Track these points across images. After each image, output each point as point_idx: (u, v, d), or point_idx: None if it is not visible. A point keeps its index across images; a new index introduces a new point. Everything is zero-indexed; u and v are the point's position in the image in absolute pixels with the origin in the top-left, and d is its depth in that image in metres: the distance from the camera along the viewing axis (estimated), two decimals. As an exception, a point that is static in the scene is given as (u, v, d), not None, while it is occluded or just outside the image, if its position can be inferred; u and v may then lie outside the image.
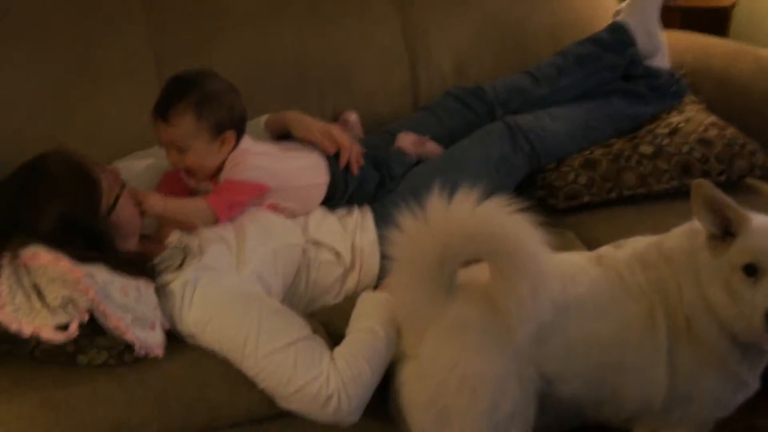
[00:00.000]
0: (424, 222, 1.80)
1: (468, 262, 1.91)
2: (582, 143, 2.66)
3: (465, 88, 2.81)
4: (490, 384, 1.88)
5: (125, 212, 2.14)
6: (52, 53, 2.51)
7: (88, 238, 2.05)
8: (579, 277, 1.98)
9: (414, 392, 1.94)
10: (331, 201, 2.45)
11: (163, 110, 2.22)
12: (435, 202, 1.79)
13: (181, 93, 2.23)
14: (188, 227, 2.23)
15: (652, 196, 2.61)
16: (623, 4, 2.95)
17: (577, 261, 2.05)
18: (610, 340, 1.95)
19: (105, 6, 2.56)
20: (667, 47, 2.92)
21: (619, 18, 2.91)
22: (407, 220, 1.82)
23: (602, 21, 3.11)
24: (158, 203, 2.20)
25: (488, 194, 1.78)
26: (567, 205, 2.61)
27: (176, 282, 2.07)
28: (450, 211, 1.79)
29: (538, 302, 1.80)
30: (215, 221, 2.23)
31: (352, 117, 2.63)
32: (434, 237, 1.80)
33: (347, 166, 2.48)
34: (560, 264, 1.96)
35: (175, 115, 2.21)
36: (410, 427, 1.95)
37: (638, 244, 2.05)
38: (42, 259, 1.95)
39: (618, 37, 2.84)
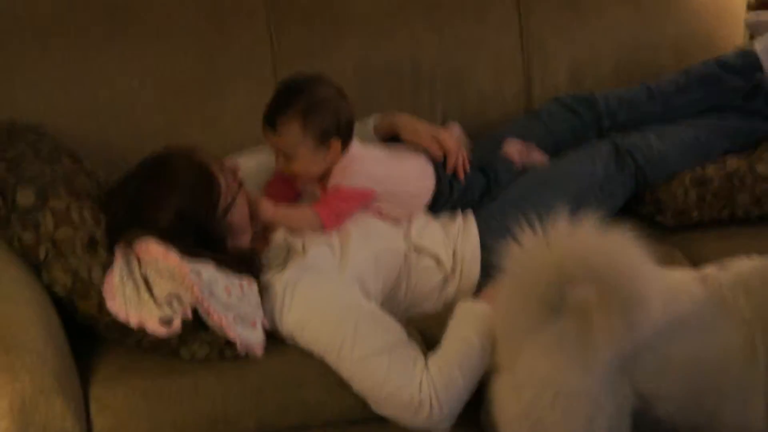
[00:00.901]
0: (545, 241, 1.79)
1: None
2: (693, 161, 2.59)
3: (576, 95, 2.77)
4: (586, 401, 1.86)
5: (239, 213, 2.18)
6: (177, 51, 2.57)
7: (200, 235, 2.11)
8: (681, 296, 1.94)
9: (508, 404, 1.93)
10: (436, 206, 2.45)
11: (270, 118, 2.26)
12: (559, 222, 1.78)
13: (288, 101, 2.25)
14: (295, 232, 2.26)
15: (766, 219, 2.54)
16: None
17: (681, 279, 2.01)
18: (708, 365, 1.91)
19: (227, 5, 2.61)
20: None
21: (752, 46, 2.80)
22: (527, 236, 1.80)
23: (729, 34, 3.05)
24: (269, 210, 2.24)
25: (600, 215, 1.76)
26: (676, 222, 2.57)
27: (278, 281, 2.10)
28: (573, 235, 1.77)
29: (637, 331, 1.78)
30: (322, 229, 2.25)
31: (456, 128, 2.61)
32: (554, 258, 1.78)
33: (454, 172, 2.47)
34: (664, 280, 1.90)
35: (282, 123, 2.24)
36: None
37: (743, 266, 2.00)
38: (153, 251, 2.01)
39: (747, 61, 2.73)
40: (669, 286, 1.93)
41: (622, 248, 1.75)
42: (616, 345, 1.82)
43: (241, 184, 2.20)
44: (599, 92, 2.76)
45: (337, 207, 2.28)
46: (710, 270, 2.03)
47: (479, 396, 2.02)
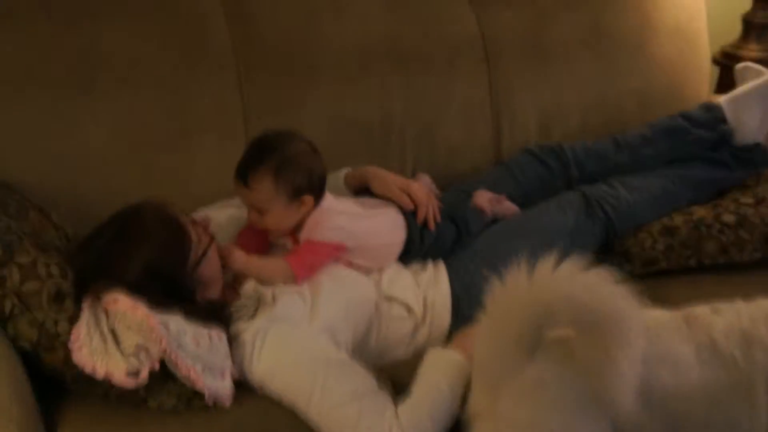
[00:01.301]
0: (527, 280, 1.78)
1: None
2: (660, 211, 2.61)
3: (544, 146, 2.78)
4: None
5: (210, 266, 2.18)
6: (147, 102, 2.54)
7: (170, 287, 2.09)
8: (664, 335, 1.93)
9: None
10: (407, 255, 2.45)
11: (243, 174, 2.27)
12: (542, 265, 1.77)
13: (260, 158, 2.27)
14: (267, 283, 2.25)
15: (733, 266, 2.54)
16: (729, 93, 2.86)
17: (663, 318, 2.00)
18: (691, 401, 1.90)
19: (199, 58, 2.59)
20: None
21: (716, 99, 2.83)
22: (509, 276, 1.80)
23: (694, 88, 3.09)
24: (240, 260, 2.24)
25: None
26: (644, 271, 2.56)
27: (248, 331, 2.09)
28: (555, 274, 1.77)
29: (634, 371, 1.77)
30: (294, 281, 2.25)
31: (426, 179, 2.62)
32: (534, 296, 1.77)
33: (425, 223, 2.47)
34: (645, 319, 1.88)
35: (254, 180, 2.25)
36: None
37: (741, 315, 1.97)
38: (122, 305, 1.99)
39: (712, 114, 2.77)
40: (650, 325, 1.92)
41: (604, 287, 1.75)
42: (599, 383, 1.79)
43: (212, 238, 2.20)
44: (567, 143, 2.78)
45: (309, 260, 2.29)
46: (700, 311, 2.01)
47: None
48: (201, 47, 2.61)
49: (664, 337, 1.94)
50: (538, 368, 1.84)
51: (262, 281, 2.26)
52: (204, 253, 2.15)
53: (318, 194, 2.33)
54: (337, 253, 2.32)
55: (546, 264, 1.76)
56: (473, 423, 1.94)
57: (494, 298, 1.82)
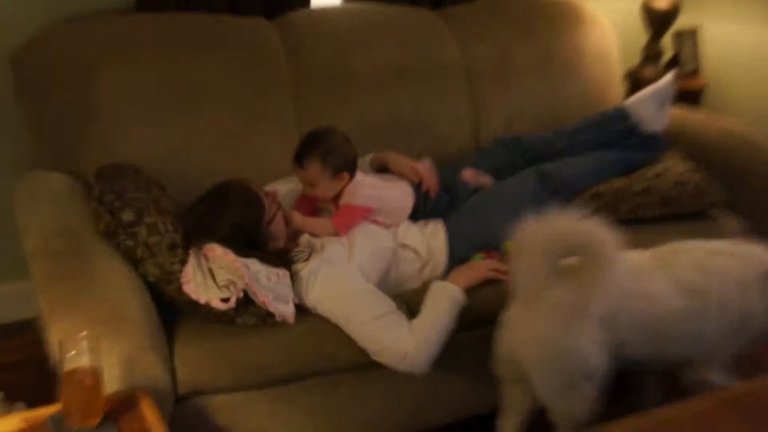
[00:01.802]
0: (545, 223, 1.76)
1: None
2: (592, 182, 2.53)
3: (508, 136, 2.71)
4: (577, 354, 1.81)
5: (277, 225, 2.12)
6: (229, 110, 2.47)
7: (250, 240, 2.05)
8: (642, 274, 1.90)
9: (520, 332, 1.85)
10: (415, 215, 2.39)
11: (298, 158, 2.22)
12: (554, 213, 1.77)
13: (310, 146, 2.22)
14: (317, 236, 2.20)
15: (640, 221, 2.46)
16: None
17: (640, 259, 1.96)
18: (657, 321, 1.88)
19: (263, 78, 2.52)
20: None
21: (625, 102, 2.75)
22: (531, 221, 1.77)
23: (612, 96, 3.02)
24: (298, 220, 2.19)
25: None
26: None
27: (304, 270, 2.05)
28: (564, 219, 1.76)
29: (611, 286, 1.74)
30: (336, 234, 2.20)
31: (427, 162, 2.54)
32: (551, 232, 1.75)
33: (427, 192, 2.42)
34: (630, 261, 1.88)
35: (307, 162, 2.20)
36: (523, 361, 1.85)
37: (694, 253, 1.95)
38: (216, 251, 1.96)
39: (621, 113, 2.66)
40: (632, 266, 1.89)
41: (596, 225, 1.74)
42: (600, 303, 1.77)
43: (279, 205, 2.15)
44: (525, 135, 2.72)
45: (347, 219, 2.23)
46: (665, 251, 1.98)
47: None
48: (265, 71, 2.55)
49: (644, 277, 1.90)
50: (555, 293, 1.78)
51: (314, 235, 2.21)
52: (273, 216, 2.10)
53: (352, 172, 2.27)
54: (366, 213, 2.26)
55: (557, 213, 1.75)
56: (508, 327, 1.87)
57: (522, 236, 1.77)
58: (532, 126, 2.82)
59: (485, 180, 2.53)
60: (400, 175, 2.42)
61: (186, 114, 2.41)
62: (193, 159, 2.40)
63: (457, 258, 2.25)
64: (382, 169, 2.48)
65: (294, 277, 2.05)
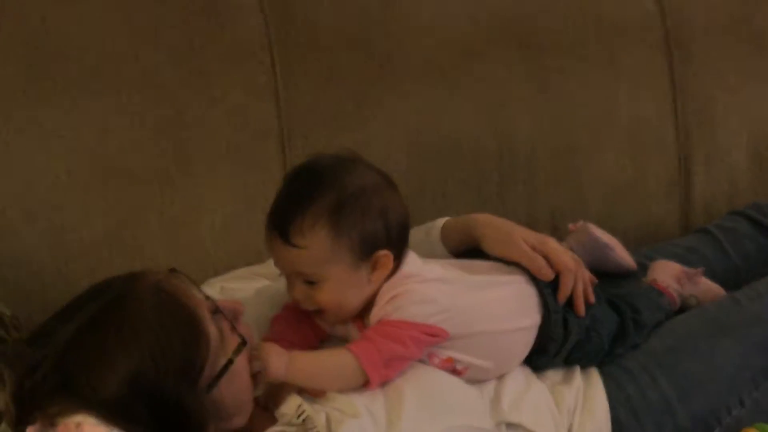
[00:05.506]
0: None
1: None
2: None
3: (763, 203, 1.70)
4: None
5: (236, 384, 1.13)
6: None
7: (166, 414, 1.08)
8: None
9: None
10: (542, 357, 1.32)
11: (281, 224, 1.19)
12: None
13: (308, 197, 1.19)
14: (317, 393, 1.15)
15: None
16: None
17: None
18: None
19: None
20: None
21: None
22: None
23: None
24: (280, 363, 1.15)
25: None
26: None
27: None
28: None
29: None
30: (364, 384, 1.16)
31: (582, 237, 1.49)
32: None
33: (570, 303, 1.32)
34: None
35: (300, 232, 1.19)
36: None
37: None
38: (86, 436, 1.05)
39: None
40: None
41: None
42: None
43: (243, 341, 1.11)
44: None
45: (388, 350, 1.16)
46: None
47: None
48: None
49: None
50: None
51: (313, 390, 1.15)
52: (227, 365, 1.11)
53: (398, 250, 1.20)
54: (430, 342, 1.20)
55: None
56: None
57: None
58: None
59: (705, 288, 1.50)
60: (510, 264, 1.37)
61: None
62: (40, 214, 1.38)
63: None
64: (470, 249, 1.42)
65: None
